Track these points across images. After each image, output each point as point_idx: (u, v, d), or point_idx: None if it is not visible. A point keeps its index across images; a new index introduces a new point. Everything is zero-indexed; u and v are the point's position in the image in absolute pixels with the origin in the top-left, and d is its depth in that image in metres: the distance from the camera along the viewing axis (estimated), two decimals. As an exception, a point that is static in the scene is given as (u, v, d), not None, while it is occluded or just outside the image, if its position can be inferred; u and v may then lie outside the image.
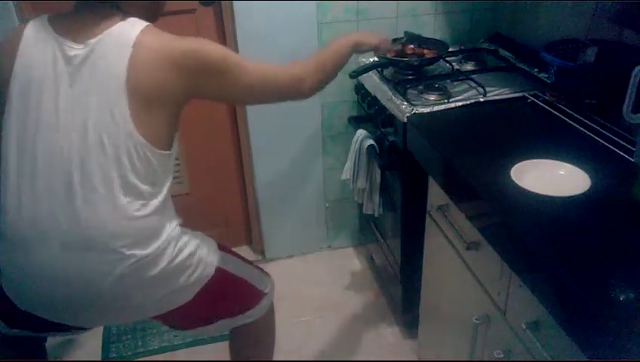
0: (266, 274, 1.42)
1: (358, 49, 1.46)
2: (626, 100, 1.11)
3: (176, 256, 1.12)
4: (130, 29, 1.05)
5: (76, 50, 1.04)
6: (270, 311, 1.43)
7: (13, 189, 1.06)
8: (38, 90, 1.04)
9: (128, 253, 1.05)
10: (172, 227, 1.13)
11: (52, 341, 1.41)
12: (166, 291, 1.13)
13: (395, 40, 1.74)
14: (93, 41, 1.04)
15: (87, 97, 1.03)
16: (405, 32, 1.82)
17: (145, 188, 1.07)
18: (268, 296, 1.39)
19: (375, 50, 1.55)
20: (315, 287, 2.21)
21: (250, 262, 1.38)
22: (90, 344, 1.96)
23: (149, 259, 1.07)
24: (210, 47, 1.10)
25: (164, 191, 1.12)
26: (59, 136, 1.04)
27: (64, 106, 1.04)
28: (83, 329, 1.29)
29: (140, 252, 1.06)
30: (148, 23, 1.08)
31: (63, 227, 1.03)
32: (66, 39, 1.05)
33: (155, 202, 1.08)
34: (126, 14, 1.07)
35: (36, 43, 1.07)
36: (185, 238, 1.16)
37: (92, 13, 1.07)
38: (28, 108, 1.05)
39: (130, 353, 1.94)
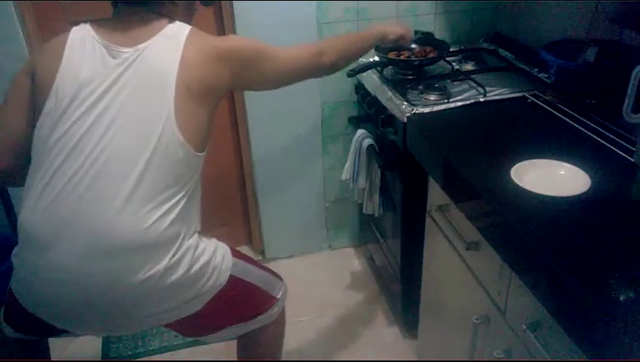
0: (279, 278, 1.41)
1: (384, 37, 1.54)
2: (626, 100, 1.10)
3: (193, 264, 1.11)
4: (179, 30, 1.11)
5: (126, 53, 1.07)
6: (281, 316, 1.42)
7: (39, 188, 1.05)
8: (86, 92, 1.05)
9: (147, 261, 1.04)
10: (190, 234, 1.13)
11: (52, 339, 1.40)
12: (179, 300, 1.12)
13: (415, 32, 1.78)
14: (143, 45, 1.07)
15: (135, 97, 1.05)
16: (415, 32, 1.83)
17: (172, 194, 1.07)
18: (279, 301, 1.38)
19: (401, 38, 1.59)
20: (315, 287, 2.21)
21: (263, 267, 1.37)
22: (90, 344, 1.96)
23: (167, 268, 1.06)
24: (249, 41, 1.23)
25: (189, 195, 1.12)
26: (98, 137, 1.04)
27: (109, 107, 1.05)
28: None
29: (158, 260, 1.05)
30: (191, 26, 1.14)
31: (87, 231, 1.02)
32: (114, 44, 1.08)
33: (178, 209, 1.08)
34: (170, 17, 1.12)
35: (83, 47, 1.09)
36: (202, 246, 1.15)
37: (136, 18, 1.10)
38: (69, 110, 1.05)
39: (130, 353, 1.94)
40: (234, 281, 1.23)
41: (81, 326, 1.17)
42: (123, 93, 1.05)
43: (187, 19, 1.16)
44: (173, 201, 1.07)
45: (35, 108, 1.11)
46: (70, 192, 1.03)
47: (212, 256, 1.17)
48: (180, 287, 1.10)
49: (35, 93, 1.11)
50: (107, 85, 1.05)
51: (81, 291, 1.04)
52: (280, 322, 1.43)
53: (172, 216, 1.07)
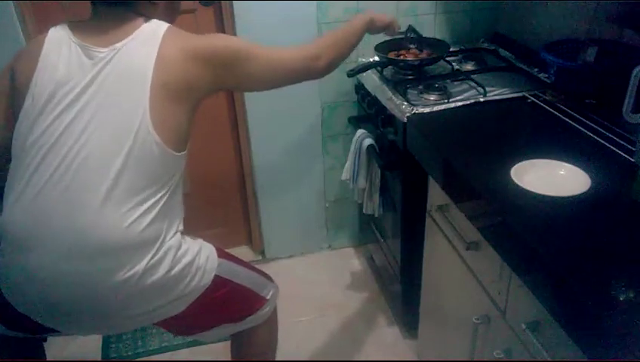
0: (269, 279, 1.40)
1: (371, 26, 1.50)
2: (626, 100, 1.11)
3: (174, 265, 1.11)
4: (156, 28, 1.10)
5: (102, 53, 1.06)
6: (272, 317, 1.41)
7: (19, 188, 1.05)
8: (62, 92, 1.05)
9: (126, 261, 1.04)
10: (172, 234, 1.12)
11: (52, 339, 1.40)
12: (163, 300, 1.12)
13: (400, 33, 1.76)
14: (119, 44, 1.07)
15: (110, 97, 1.05)
16: (409, 26, 1.82)
17: (150, 193, 1.06)
18: (270, 301, 1.37)
19: (387, 27, 1.57)
20: (315, 287, 2.21)
21: (252, 267, 1.36)
22: (90, 344, 1.96)
23: (146, 269, 1.06)
24: (232, 41, 1.20)
25: (169, 195, 1.11)
26: (74, 137, 1.04)
27: (85, 107, 1.04)
28: None
29: (137, 261, 1.05)
30: (169, 24, 1.12)
31: (66, 232, 1.02)
32: (90, 44, 1.07)
33: (157, 209, 1.07)
34: (147, 17, 1.11)
35: (59, 48, 1.09)
36: (184, 247, 1.14)
37: (114, 18, 1.10)
38: (46, 110, 1.05)
39: (130, 353, 1.94)
40: (220, 282, 1.22)
41: (70, 326, 1.16)
42: (100, 93, 1.05)
43: (168, 20, 1.15)
44: (151, 201, 1.06)
45: (13, 110, 1.11)
46: (48, 192, 1.03)
47: (195, 257, 1.16)
48: (161, 288, 1.10)
49: (14, 94, 1.11)
50: (84, 85, 1.05)
51: (64, 291, 1.04)
52: (272, 322, 1.42)
53: (151, 215, 1.06)
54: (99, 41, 1.08)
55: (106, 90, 1.05)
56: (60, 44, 1.09)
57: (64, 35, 1.10)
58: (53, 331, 1.19)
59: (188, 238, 1.18)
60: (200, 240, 1.23)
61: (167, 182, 1.10)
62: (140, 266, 1.05)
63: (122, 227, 1.03)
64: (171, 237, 1.11)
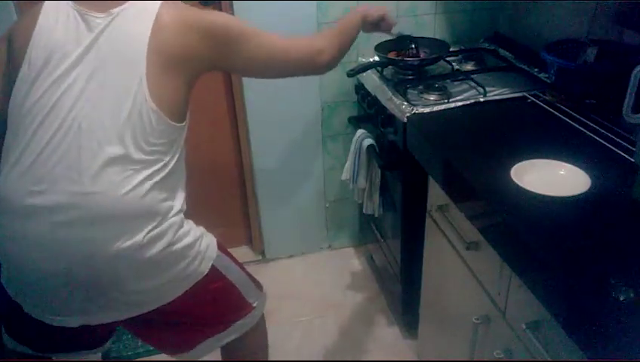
0: (259, 287, 1.37)
1: (366, 20, 1.49)
2: (626, 100, 1.11)
3: (175, 243, 1.10)
4: None
5: (99, 18, 1.06)
6: (260, 325, 1.39)
7: (16, 154, 1.04)
8: (58, 56, 1.05)
9: (125, 230, 1.02)
10: (175, 211, 1.11)
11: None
12: (158, 280, 1.10)
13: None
14: (116, 10, 1.07)
15: (107, 63, 1.05)
16: (400, 32, 1.81)
17: (151, 161, 1.06)
18: (256, 310, 1.34)
19: (381, 20, 1.55)
20: (315, 287, 2.21)
21: (245, 270, 1.34)
22: (90, 344, 1.96)
23: (147, 240, 1.04)
24: (234, 19, 1.21)
25: (171, 165, 1.10)
26: (71, 103, 1.03)
27: (82, 73, 1.04)
28: (88, 346, 1.25)
29: (138, 230, 1.04)
30: None
31: (63, 198, 1.01)
32: (87, 9, 1.07)
33: (159, 177, 1.07)
34: None
35: (57, 14, 1.08)
36: (187, 227, 1.14)
37: None
38: (42, 74, 1.05)
39: (130, 353, 1.95)
40: (215, 274, 1.20)
41: (62, 309, 1.10)
42: (97, 58, 1.05)
43: None
44: (152, 169, 1.06)
45: (10, 78, 1.10)
46: (47, 157, 1.02)
47: (196, 241, 1.15)
48: (159, 264, 1.08)
49: (11, 61, 1.11)
50: (80, 51, 1.05)
51: (59, 261, 1.02)
52: (260, 332, 1.40)
53: (151, 182, 1.05)
54: (97, 6, 1.07)
55: (103, 55, 1.05)
56: (57, 10, 1.09)
57: (62, 2, 1.10)
58: (57, 348, 1.17)
59: (191, 222, 1.18)
60: (202, 228, 1.22)
61: (167, 151, 1.09)
62: (140, 236, 1.04)
63: (122, 192, 1.02)
64: (174, 214, 1.11)
